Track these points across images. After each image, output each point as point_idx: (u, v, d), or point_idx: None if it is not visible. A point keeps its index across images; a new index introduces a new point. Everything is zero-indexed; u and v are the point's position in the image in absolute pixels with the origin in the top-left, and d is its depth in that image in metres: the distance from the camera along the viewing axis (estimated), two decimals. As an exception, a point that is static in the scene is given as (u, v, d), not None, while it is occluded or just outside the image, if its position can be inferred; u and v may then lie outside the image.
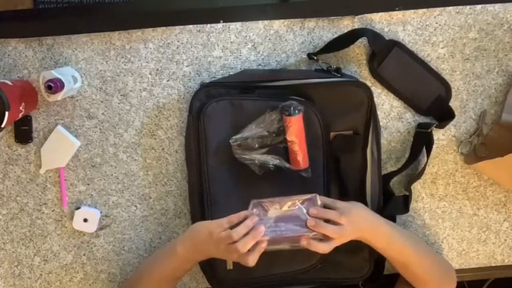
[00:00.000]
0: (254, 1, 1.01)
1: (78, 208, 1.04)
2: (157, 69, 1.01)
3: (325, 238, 0.82)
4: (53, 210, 1.05)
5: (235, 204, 0.88)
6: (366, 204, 0.97)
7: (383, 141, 1.04)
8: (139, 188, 1.05)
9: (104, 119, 1.02)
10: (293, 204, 0.84)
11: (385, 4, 1.00)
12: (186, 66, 1.01)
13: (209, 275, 0.99)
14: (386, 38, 1.01)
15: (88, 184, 1.05)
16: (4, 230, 1.06)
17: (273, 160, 0.93)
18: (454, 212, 1.08)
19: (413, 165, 1.03)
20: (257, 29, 1.01)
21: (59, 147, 1.02)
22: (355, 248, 0.96)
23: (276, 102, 0.93)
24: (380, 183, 0.99)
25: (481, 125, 1.05)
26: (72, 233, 1.06)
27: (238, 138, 0.93)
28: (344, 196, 0.97)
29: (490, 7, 1.01)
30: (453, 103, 1.04)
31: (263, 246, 0.81)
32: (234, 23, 1.00)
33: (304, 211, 0.83)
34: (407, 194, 1.03)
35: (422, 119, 1.04)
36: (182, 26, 1.00)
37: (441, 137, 1.05)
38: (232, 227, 0.82)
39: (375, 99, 0.98)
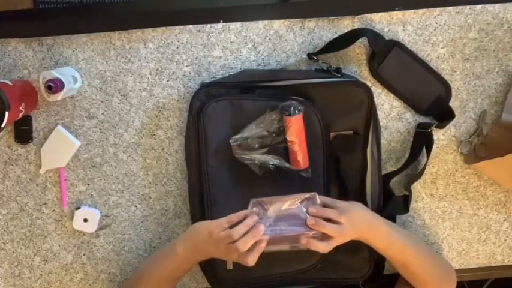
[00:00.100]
0: (254, 1, 1.01)
1: (78, 208, 1.04)
2: (157, 69, 1.01)
3: (324, 237, 0.82)
4: (53, 210, 1.05)
5: (235, 204, 0.88)
6: (365, 204, 0.97)
7: (383, 141, 1.04)
8: (139, 188, 1.05)
9: (104, 119, 1.02)
10: (292, 203, 0.84)
11: (385, 4, 1.00)
12: (186, 66, 1.01)
13: (209, 275, 0.99)
14: (387, 38, 1.01)
15: (88, 184, 1.05)
16: (4, 230, 1.06)
17: (273, 160, 0.93)
18: (454, 212, 1.08)
19: (413, 165, 1.03)
20: (257, 29, 1.01)
21: (59, 147, 1.02)
22: (355, 248, 0.96)
23: (276, 102, 0.93)
24: (380, 183, 0.99)
25: (481, 125, 1.05)
26: (72, 233, 1.06)
27: (238, 138, 0.93)
28: (344, 196, 0.96)
29: (490, 7, 1.01)
30: (453, 103, 1.04)
31: (263, 245, 0.81)
32: (234, 23, 1.00)
33: (304, 210, 0.83)
34: (407, 194, 1.03)
35: (422, 119, 1.04)
36: (182, 26, 1.00)
37: (441, 137, 1.05)
38: (232, 227, 0.82)
39: (375, 99, 0.98)
